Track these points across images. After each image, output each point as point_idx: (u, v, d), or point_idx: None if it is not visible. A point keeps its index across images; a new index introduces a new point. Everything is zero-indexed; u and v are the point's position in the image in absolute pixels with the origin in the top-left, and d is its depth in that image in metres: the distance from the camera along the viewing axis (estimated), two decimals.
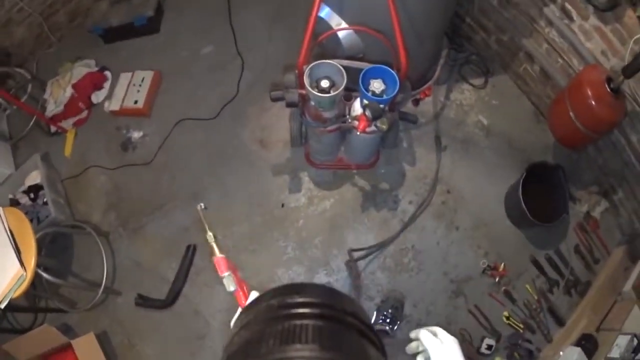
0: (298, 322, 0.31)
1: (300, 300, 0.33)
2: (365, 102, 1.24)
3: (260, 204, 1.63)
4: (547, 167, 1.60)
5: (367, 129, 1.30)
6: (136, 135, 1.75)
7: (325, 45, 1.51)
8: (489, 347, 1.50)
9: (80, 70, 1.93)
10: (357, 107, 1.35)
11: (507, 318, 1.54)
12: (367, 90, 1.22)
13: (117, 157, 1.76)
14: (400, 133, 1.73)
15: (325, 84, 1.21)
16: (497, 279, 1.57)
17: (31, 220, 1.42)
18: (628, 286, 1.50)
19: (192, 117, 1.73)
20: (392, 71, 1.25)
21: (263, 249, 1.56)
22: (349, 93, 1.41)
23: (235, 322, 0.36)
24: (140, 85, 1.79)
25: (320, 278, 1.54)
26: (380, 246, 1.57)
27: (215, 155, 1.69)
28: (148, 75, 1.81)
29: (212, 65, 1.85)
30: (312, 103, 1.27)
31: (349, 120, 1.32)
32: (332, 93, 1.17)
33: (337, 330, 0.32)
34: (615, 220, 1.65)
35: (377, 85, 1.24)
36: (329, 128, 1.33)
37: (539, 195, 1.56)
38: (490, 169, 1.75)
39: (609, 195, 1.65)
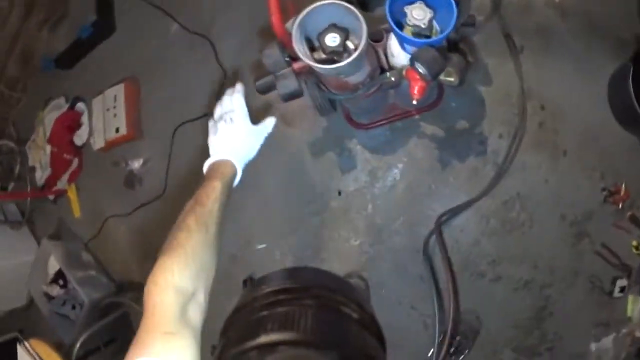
0: (297, 308, 0.30)
1: (294, 287, 0.31)
2: (411, 49, 0.64)
3: (310, 200, 1.09)
4: None
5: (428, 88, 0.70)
6: (136, 165, 1.26)
7: None
8: (622, 288, 1.05)
9: (51, 117, 1.43)
10: (396, 49, 0.73)
11: (637, 248, 1.05)
12: (404, 26, 0.61)
13: (126, 198, 1.29)
14: (460, 44, 1.14)
15: (333, 40, 0.59)
16: (620, 205, 1.05)
17: (73, 307, 1.18)
18: None
19: (188, 118, 1.19)
20: None
21: (333, 255, 1.07)
22: (378, 29, 0.76)
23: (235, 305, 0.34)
24: (115, 107, 1.26)
25: (418, 272, 1.02)
26: (471, 202, 1.06)
27: None
28: (119, 90, 1.27)
29: (189, 42, 1.25)
30: (327, 74, 0.67)
31: (393, 79, 0.71)
32: (352, 56, 0.57)
33: (335, 319, 0.30)
34: None
35: (418, 15, 0.62)
36: (365, 93, 0.73)
37: None
38: (580, 62, 1.07)
39: None
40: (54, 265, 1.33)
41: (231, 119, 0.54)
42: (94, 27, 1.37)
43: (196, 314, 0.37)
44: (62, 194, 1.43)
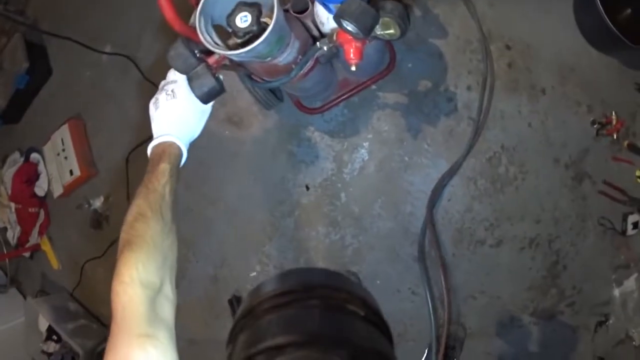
0: (303, 309, 0.28)
1: (302, 287, 0.29)
2: (333, 7, 0.52)
3: (278, 201, 0.97)
4: None
5: (368, 47, 0.59)
6: (98, 203, 1.15)
7: None
8: (635, 224, 0.92)
9: (10, 173, 1.34)
10: (324, 15, 0.61)
11: None
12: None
13: (97, 239, 1.17)
14: None
15: (244, 19, 0.48)
16: (614, 135, 0.93)
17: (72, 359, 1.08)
18: None
19: (136, 143, 1.09)
20: None
21: (316, 255, 0.95)
22: (299, 0, 0.65)
23: (238, 313, 0.32)
24: (63, 150, 1.15)
25: (411, 253, 0.91)
26: (454, 169, 0.92)
27: (190, 170, 1.01)
28: (64, 132, 1.16)
29: (121, 67, 1.14)
30: (248, 61, 0.55)
31: (325, 48, 0.58)
32: (265, 33, 0.45)
33: (341, 318, 0.29)
34: None
35: None
36: (301, 73, 0.60)
37: (612, 5, 0.81)
38: None
39: None
40: (44, 323, 1.24)
41: (172, 91, 0.48)
42: (29, 74, 1.26)
43: (166, 309, 0.36)
44: (37, 249, 1.33)
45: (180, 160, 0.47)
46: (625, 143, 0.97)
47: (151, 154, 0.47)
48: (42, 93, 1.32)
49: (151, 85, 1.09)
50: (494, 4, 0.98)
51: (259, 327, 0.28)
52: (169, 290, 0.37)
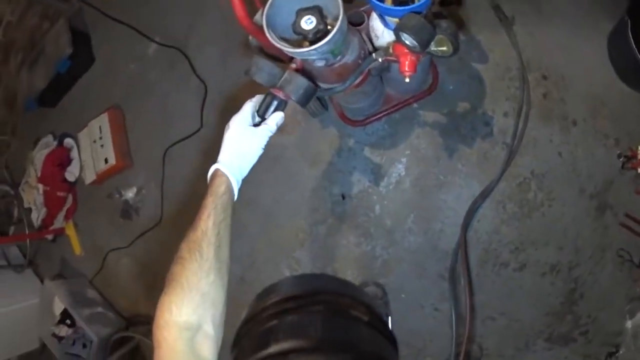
0: (306, 315, 0.28)
1: (305, 293, 0.29)
2: (393, 20, 0.56)
3: (313, 208, 1.01)
4: None
5: (421, 61, 0.62)
6: (130, 194, 1.18)
7: None
8: None
9: (41, 156, 1.35)
10: (379, 29, 0.65)
11: None
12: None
13: (125, 229, 1.21)
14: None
15: (309, 22, 0.53)
16: (639, 169, 0.97)
17: (84, 346, 1.12)
18: None
19: (176, 139, 1.12)
20: None
21: (345, 264, 0.98)
22: (356, 11, 0.69)
23: (243, 318, 0.32)
24: (101, 138, 1.19)
25: (438, 270, 0.94)
26: (487, 191, 0.92)
27: None
28: (103, 120, 1.20)
29: (168, 61, 1.18)
30: (313, 62, 0.59)
31: (381, 59, 0.63)
32: (330, 34, 0.49)
33: (345, 323, 0.29)
34: None
35: None
36: (354, 83, 0.65)
37: None
38: (576, 24, 0.99)
39: None
40: (59, 306, 1.26)
41: (229, 125, 0.50)
42: (71, 60, 1.31)
43: (206, 346, 0.36)
44: (60, 232, 1.36)
45: (230, 193, 0.46)
46: None
47: (209, 180, 0.48)
48: (82, 80, 1.37)
49: (199, 81, 1.13)
50: (534, 34, 1.03)
51: (263, 333, 0.28)
52: (209, 328, 0.38)
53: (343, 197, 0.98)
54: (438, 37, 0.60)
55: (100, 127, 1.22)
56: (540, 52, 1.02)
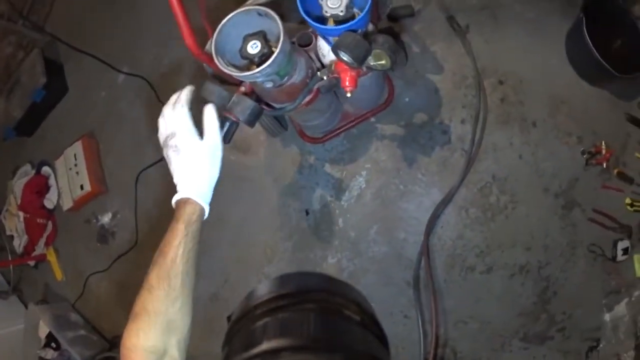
0: (298, 313, 0.29)
1: (298, 291, 0.30)
2: (333, 39, 0.61)
3: (279, 225, 1.06)
4: None
5: (361, 77, 0.69)
6: (106, 219, 1.25)
7: None
8: (625, 250, 0.99)
9: (20, 184, 1.42)
10: (325, 48, 0.71)
11: (631, 205, 1.00)
12: (321, 18, 0.60)
13: (103, 253, 1.28)
14: (402, 36, 1.04)
15: (253, 48, 0.58)
16: (604, 164, 1.01)
17: None
18: None
19: (146, 165, 1.20)
20: None
21: None
22: (304, 33, 0.75)
23: (234, 313, 0.32)
24: (76, 165, 1.26)
25: (404, 278, 0.99)
26: (447, 199, 0.97)
27: None
28: (77, 149, 1.28)
29: (136, 89, 1.25)
30: (262, 84, 0.63)
31: (325, 77, 0.68)
32: (272, 58, 0.55)
33: (337, 322, 0.29)
34: None
35: (333, 3, 0.61)
36: (304, 102, 0.70)
37: (603, 38, 0.92)
38: (532, 27, 1.05)
39: None
40: (44, 330, 1.32)
41: (176, 146, 0.48)
42: (46, 89, 1.38)
43: None
44: (42, 259, 1.42)
45: (200, 218, 0.47)
46: (615, 171, 1.06)
47: (174, 207, 0.48)
48: (57, 109, 1.45)
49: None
50: (489, 41, 1.09)
51: (254, 331, 0.28)
52: (175, 352, 0.41)
53: (307, 213, 1.03)
54: (375, 51, 0.65)
55: (75, 154, 1.29)
56: (495, 58, 1.08)
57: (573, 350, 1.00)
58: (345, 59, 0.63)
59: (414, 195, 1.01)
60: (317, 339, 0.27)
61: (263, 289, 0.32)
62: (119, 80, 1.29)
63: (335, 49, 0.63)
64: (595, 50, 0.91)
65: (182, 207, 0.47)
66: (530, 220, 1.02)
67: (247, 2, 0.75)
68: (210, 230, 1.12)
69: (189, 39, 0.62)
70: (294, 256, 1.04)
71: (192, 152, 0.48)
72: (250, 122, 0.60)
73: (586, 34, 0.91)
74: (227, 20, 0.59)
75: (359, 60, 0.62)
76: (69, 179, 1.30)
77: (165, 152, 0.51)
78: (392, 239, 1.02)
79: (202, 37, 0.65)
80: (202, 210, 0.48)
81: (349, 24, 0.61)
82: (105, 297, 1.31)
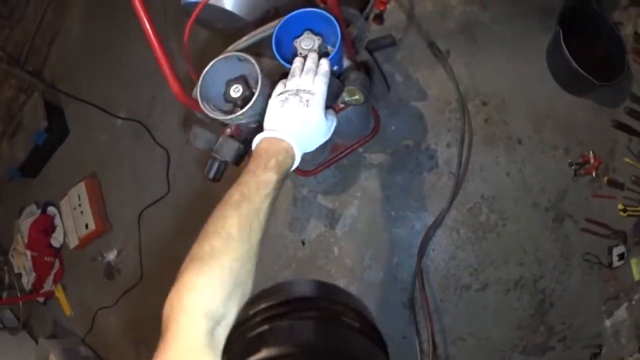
0: (298, 321, 0.29)
1: (298, 298, 0.30)
2: None
3: (278, 255, 1.13)
4: (573, 8, 0.99)
5: (343, 112, 0.77)
6: (112, 257, 1.34)
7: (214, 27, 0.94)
8: (621, 255, 1.04)
9: (26, 224, 1.52)
10: None
11: (624, 210, 1.05)
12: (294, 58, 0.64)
13: (109, 289, 1.36)
14: (385, 65, 1.12)
15: (236, 91, 0.65)
16: (594, 173, 1.06)
17: None
18: None
19: (147, 203, 1.29)
20: (317, 9, 0.66)
21: None
22: (285, 72, 0.85)
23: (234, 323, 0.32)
24: (80, 205, 1.35)
25: (400, 300, 1.05)
26: (436, 222, 1.03)
27: (196, 230, 1.25)
28: (81, 189, 1.37)
29: (134, 132, 1.35)
30: (247, 124, 0.69)
31: None
32: (252, 101, 0.61)
33: (337, 330, 0.29)
34: None
35: (306, 45, 0.67)
36: None
37: (583, 47, 0.99)
38: (512, 46, 1.12)
39: None
40: None
41: (308, 101, 0.46)
42: (47, 132, 1.48)
43: (224, 337, 0.32)
44: (50, 295, 1.51)
45: (291, 166, 0.44)
46: (605, 179, 1.11)
47: (259, 148, 0.43)
48: (59, 151, 1.55)
49: (162, 149, 1.29)
50: (469, 64, 1.16)
51: (254, 338, 0.28)
52: (232, 321, 0.33)
53: (303, 243, 1.11)
54: (349, 88, 0.72)
55: (78, 195, 1.38)
56: (477, 80, 1.15)
57: (576, 359, 1.04)
58: None
59: (405, 221, 1.08)
60: (316, 347, 0.27)
61: (262, 297, 0.32)
62: (118, 123, 1.39)
63: None
64: (573, 61, 0.97)
65: (281, 152, 0.42)
66: (521, 236, 1.08)
67: (228, 48, 0.84)
68: None
69: (174, 87, 0.67)
70: None
71: (319, 115, 0.46)
72: (237, 162, 0.66)
73: (564, 46, 0.97)
74: (210, 67, 0.66)
75: (333, 97, 0.69)
76: (74, 218, 1.39)
77: (286, 95, 0.48)
78: (386, 264, 1.08)
79: (190, 82, 0.72)
80: (294, 160, 0.44)
81: None
82: (114, 331, 1.39)
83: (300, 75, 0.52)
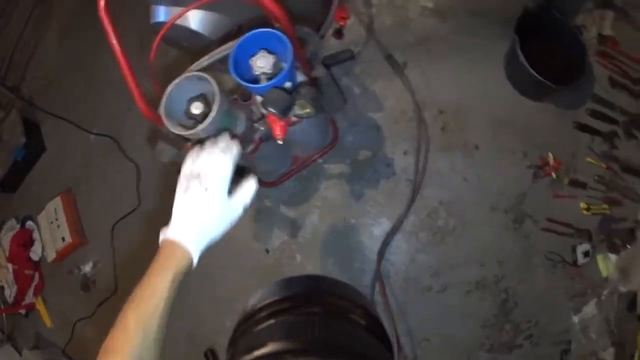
0: (303, 317, 0.30)
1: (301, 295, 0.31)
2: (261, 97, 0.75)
3: (244, 263, 1.19)
4: (533, 14, 1.06)
5: (291, 127, 0.83)
6: (88, 269, 1.39)
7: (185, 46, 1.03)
8: (586, 253, 1.10)
9: (7, 238, 1.57)
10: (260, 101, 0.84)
11: (587, 209, 1.12)
12: (253, 77, 0.74)
13: (86, 301, 1.41)
14: (343, 79, 1.19)
15: (197, 108, 0.72)
16: (553, 175, 1.13)
17: None
18: None
19: (121, 215, 1.35)
20: (271, 29, 0.74)
21: None
22: (244, 89, 0.85)
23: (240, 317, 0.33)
24: (57, 219, 1.41)
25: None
26: (394, 229, 1.09)
27: None
28: (57, 204, 1.43)
29: (106, 147, 1.42)
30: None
31: (263, 128, 0.82)
32: (210, 117, 0.67)
33: (342, 326, 0.30)
34: (630, 25, 1.15)
35: (261, 63, 0.75)
36: (249, 151, 0.84)
37: (544, 53, 1.05)
38: (471, 56, 1.19)
39: (609, 1, 1.15)
40: None
41: (206, 187, 0.46)
42: (25, 149, 1.55)
43: None
44: (32, 307, 1.56)
45: (189, 267, 0.46)
46: (567, 180, 1.17)
47: (160, 249, 0.46)
48: (37, 166, 1.61)
49: (132, 163, 1.36)
50: (426, 74, 1.23)
51: (260, 332, 0.29)
52: None
53: (267, 251, 1.17)
54: (300, 102, 0.79)
55: (55, 209, 1.44)
56: (434, 89, 1.22)
57: (545, 356, 1.09)
58: (272, 111, 0.77)
59: (364, 227, 1.14)
60: (321, 343, 0.27)
61: (269, 291, 0.33)
62: (91, 139, 1.45)
63: (263, 104, 0.77)
64: (529, 67, 1.02)
65: (173, 252, 0.45)
66: (480, 238, 1.14)
67: (191, 66, 0.90)
68: (193, 275, 1.26)
69: (140, 104, 0.76)
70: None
71: (219, 200, 0.46)
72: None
73: (520, 52, 1.03)
74: (173, 86, 0.73)
75: (283, 112, 0.76)
76: (51, 232, 1.45)
77: (188, 182, 0.48)
78: (348, 270, 1.14)
79: (158, 99, 0.76)
80: (192, 263, 0.46)
81: (272, 81, 0.75)
82: (92, 341, 1.44)
83: (197, 156, 0.50)
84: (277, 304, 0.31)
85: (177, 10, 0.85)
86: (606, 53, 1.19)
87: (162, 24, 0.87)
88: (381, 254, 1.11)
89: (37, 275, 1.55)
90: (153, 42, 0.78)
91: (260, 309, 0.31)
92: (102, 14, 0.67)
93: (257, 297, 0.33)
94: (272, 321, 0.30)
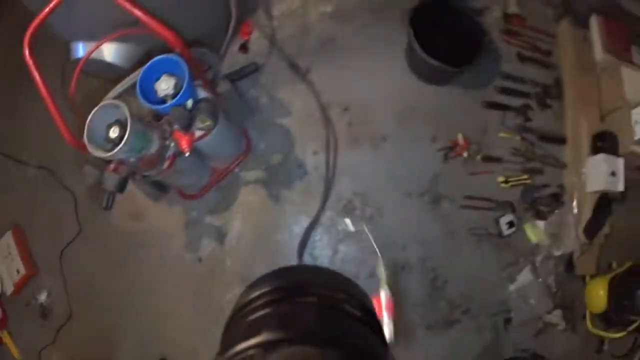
0: (299, 306, 0.30)
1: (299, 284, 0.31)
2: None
3: (181, 275, 1.28)
4: (429, 4, 1.15)
5: (195, 140, 0.93)
6: (43, 298, 1.47)
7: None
8: (510, 223, 1.17)
9: None
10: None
11: (506, 181, 1.20)
12: (159, 99, 0.87)
13: (47, 329, 1.49)
14: (250, 91, 1.28)
15: (114, 132, 0.84)
16: (464, 154, 1.21)
17: None
18: (599, 53, 1.14)
19: (64, 244, 1.44)
20: (168, 55, 0.87)
21: (217, 315, 1.20)
22: (155, 112, 0.97)
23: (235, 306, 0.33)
24: (10, 253, 1.50)
25: None
26: (312, 225, 1.18)
27: (110, 262, 1.36)
28: (8, 237, 1.52)
29: (45, 178, 1.49)
30: (127, 159, 0.88)
31: (172, 144, 0.93)
32: (124, 140, 0.80)
33: (337, 317, 0.30)
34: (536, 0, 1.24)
35: (164, 86, 0.87)
36: (165, 167, 0.95)
37: (443, 39, 1.14)
38: (373, 53, 1.28)
39: None
40: None
41: None
42: None
43: None
44: (0, 342, 1.66)
45: None
46: (479, 157, 1.26)
47: None
48: None
49: (70, 193, 1.45)
50: (330, 75, 1.32)
51: (254, 321, 0.29)
52: None
53: (200, 260, 1.27)
54: (200, 116, 0.90)
55: (7, 244, 1.53)
56: (338, 89, 1.31)
57: (486, 326, 1.14)
58: (176, 127, 0.89)
59: (284, 227, 1.24)
60: (316, 333, 0.27)
61: (263, 281, 0.32)
62: (29, 173, 1.54)
63: (167, 121, 0.89)
64: (425, 54, 1.08)
65: None
66: (399, 223, 1.22)
67: (107, 95, 1.01)
68: (127, 290, 1.35)
69: (65, 134, 0.88)
70: (199, 301, 1.26)
71: None
72: (120, 190, 0.87)
73: (415, 42, 1.10)
74: (92, 115, 0.85)
75: (185, 127, 0.88)
76: (7, 266, 1.53)
77: None
78: (275, 267, 1.24)
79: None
80: None
81: (173, 101, 0.86)
82: None
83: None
84: (272, 294, 0.31)
85: (93, 44, 0.97)
86: (512, 31, 1.27)
87: (80, 59, 0.98)
88: (301, 250, 1.21)
89: (0, 310, 1.64)
90: (73, 76, 0.90)
91: (255, 298, 0.31)
92: (28, 59, 0.80)
93: (252, 286, 0.33)
94: (267, 310, 0.30)
